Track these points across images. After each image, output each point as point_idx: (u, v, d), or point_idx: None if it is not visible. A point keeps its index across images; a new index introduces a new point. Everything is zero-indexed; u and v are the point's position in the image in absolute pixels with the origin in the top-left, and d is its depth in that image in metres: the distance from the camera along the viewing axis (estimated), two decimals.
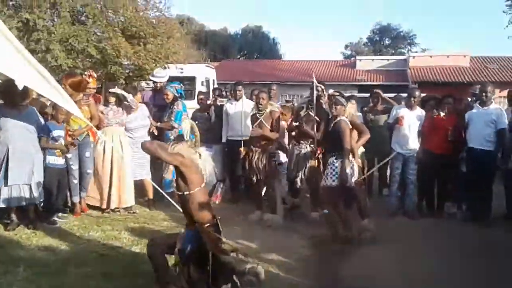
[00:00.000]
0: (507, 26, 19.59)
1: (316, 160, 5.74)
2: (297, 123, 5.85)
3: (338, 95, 5.47)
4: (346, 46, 45.20)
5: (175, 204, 4.36)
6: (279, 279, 3.84)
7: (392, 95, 8.09)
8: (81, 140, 5.34)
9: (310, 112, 5.72)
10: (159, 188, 5.30)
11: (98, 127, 5.39)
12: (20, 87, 4.11)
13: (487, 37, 70.59)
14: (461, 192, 6.02)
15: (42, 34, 8.77)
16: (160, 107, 6.58)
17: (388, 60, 27.05)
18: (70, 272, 3.67)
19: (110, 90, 5.69)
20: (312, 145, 5.68)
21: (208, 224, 3.14)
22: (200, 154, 3.23)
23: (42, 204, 4.95)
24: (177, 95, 6.38)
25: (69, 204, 5.46)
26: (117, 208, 5.66)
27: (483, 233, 5.20)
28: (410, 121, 5.99)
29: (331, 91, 6.84)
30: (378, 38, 44.74)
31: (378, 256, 4.45)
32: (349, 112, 5.12)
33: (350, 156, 4.92)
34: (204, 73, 14.02)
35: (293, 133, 6.03)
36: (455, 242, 4.93)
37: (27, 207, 4.76)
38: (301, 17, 79.12)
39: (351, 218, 5.07)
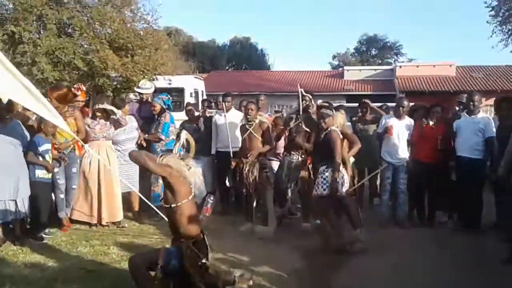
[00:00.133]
0: (491, 36, 19.98)
1: (307, 171, 5.73)
2: (288, 134, 5.83)
3: (325, 106, 5.47)
4: (334, 57, 45.60)
5: (163, 216, 4.30)
6: None
7: (379, 104, 8.14)
8: (66, 153, 5.25)
9: (299, 123, 5.72)
10: (147, 201, 5.23)
11: (85, 141, 5.32)
12: (5, 101, 4.04)
13: (472, 47, 71.77)
14: (452, 201, 6.04)
15: (28, 46, 8.67)
16: (146, 119, 6.53)
17: (375, 70, 27.31)
18: None
19: (99, 106, 5.61)
20: (303, 156, 5.67)
21: (194, 240, 3.09)
22: (189, 167, 3.19)
23: (28, 220, 4.84)
24: (164, 106, 6.34)
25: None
26: (106, 222, 5.56)
27: (474, 242, 5.20)
28: (399, 130, 6.02)
29: (319, 101, 6.87)
30: (365, 49, 45.23)
31: (370, 266, 4.43)
32: (340, 122, 5.12)
33: (341, 166, 4.91)
34: (192, 85, 14.01)
35: (283, 144, 6.01)
36: (446, 251, 4.93)
37: (13, 223, 4.64)
38: (289, 28, 79.78)
39: (342, 228, 5.05)
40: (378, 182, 6.80)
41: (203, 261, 3.04)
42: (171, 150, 3.41)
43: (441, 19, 72.73)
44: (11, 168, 4.48)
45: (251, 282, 3.07)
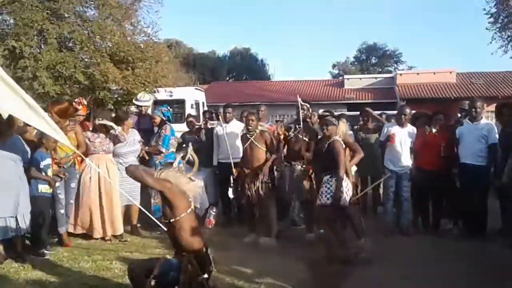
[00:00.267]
0: (490, 43, 20.03)
1: (309, 180, 5.69)
2: (288, 144, 5.81)
3: (328, 115, 5.46)
4: (334, 66, 45.80)
5: (165, 229, 4.26)
6: None
7: (378, 112, 8.13)
8: (66, 167, 5.23)
9: (298, 133, 5.71)
10: (149, 214, 5.19)
11: (85, 155, 5.30)
12: (5, 116, 4.02)
13: (472, 54, 71.99)
14: (455, 207, 5.99)
15: (29, 61, 8.67)
16: (145, 131, 6.52)
17: (375, 78, 27.41)
18: None
19: (99, 122, 5.59)
20: (304, 166, 5.63)
21: (196, 253, 3.04)
22: (189, 180, 3.16)
23: (29, 236, 4.80)
24: (164, 118, 6.33)
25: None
26: (107, 236, 5.52)
27: (480, 249, 5.16)
28: (402, 138, 6.00)
29: (320, 111, 6.87)
30: (364, 57, 45.42)
31: (376, 277, 4.37)
32: (342, 130, 5.09)
33: (344, 175, 4.88)
34: (193, 96, 14.04)
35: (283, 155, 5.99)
36: (452, 259, 4.88)
37: (14, 240, 4.59)
38: (288, 38, 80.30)
39: (346, 238, 5.00)
40: (381, 190, 6.76)
41: (204, 276, 2.99)
42: (171, 163, 3.39)
43: (440, 26, 73.09)
44: (12, 184, 4.44)
45: None
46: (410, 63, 43.89)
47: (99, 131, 5.62)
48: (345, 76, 29.02)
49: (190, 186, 3.14)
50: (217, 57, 43.31)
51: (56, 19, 9.34)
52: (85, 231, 5.52)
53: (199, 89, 15.69)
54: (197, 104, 13.92)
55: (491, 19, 19.88)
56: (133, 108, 8.88)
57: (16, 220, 4.44)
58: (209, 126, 7.12)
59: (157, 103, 10.27)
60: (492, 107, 6.05)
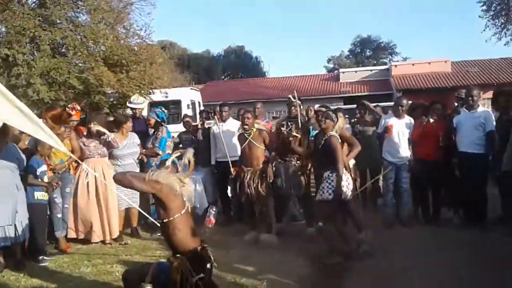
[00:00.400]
0: (484, 30, 20.08)
1: (307, 176, 5.69)
2: (281, 141, 5.80)
3: (325, 110, 5.44)
4: (329, 60, 45.78)
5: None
6: None
7: (373, 104, 8.11)
8: (61, 173, 5.22)
9: (290, 129, 5.71)
10: (149, 216, 5.18)
11: (80, 159, 5.29)
12: None
13: (466, 42, 72.04)
14: (454, 195, 5.99)
15: (23, 68, 8.62)
16: (140, 133, 6.50)
17: (371, 70, 27.37)
18: None
19: (93, 128, 5.57)
20: (298, 162, 5.65)
21: (190, 254, 3.01)
22: (180, 180, 3.13)
23: (28, 243, 4.78)
24: (158, 119, 6.31)
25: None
26: (107, 240, 5.52)
27: (480, 238, 5.15)
28: (399, 129, 5.99)
29: (316, 106, 6.85)
30: (359, 50, 45.40)
31: (379, 270, 4.38)
32: (339, 125, 5.08)
33: (344, 170, 4.87)
34: (189, 96, 14.01)
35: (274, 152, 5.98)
36: (453, 249, 4.87)
37: (13, 247, 4.57)
38: (282, 35, 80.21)
39: (348, 231, 5.00)
40: (381, 182, 6.76)
41: (199, 276, 2.95)
42: (164, 161, 3.35)
43: (433, 16, 73.10)
44: (9, 192, 4.42)
45: None
46: (404, 54, 44.02)
47: (94, 136, 5.60)
48: (341, 70, 28.99)
49: (185, 187, 3.12)
50: (212, 56, 43.29)
51: (48, 25, 9.29)
52: (84, 236, 5.51)
53: (194, 89, 15.66)
54: (193, 104, 13.90)
55: (484, 7, 19.92)
56: (128, 111, 8.85)
57: (15, 228, 4.42)
58: (206, 126, 7.10)
59: (153, 104, 10.25)
60: (488, 95, 6.04)
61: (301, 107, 6.04)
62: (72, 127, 5.49)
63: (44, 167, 4.86)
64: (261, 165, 5.59)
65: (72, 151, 5.20)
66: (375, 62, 40.95)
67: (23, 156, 4.70)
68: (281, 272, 4.33)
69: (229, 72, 42.29)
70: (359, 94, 22.79)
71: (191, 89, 15.49)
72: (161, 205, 3.05)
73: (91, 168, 5.36)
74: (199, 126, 7.34)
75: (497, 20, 20.21)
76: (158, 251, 5.18)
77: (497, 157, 5.29)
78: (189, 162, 3.38)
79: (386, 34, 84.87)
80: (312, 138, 5.61)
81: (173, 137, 6.85)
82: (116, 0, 10.30)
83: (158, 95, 11.73)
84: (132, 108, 7.27)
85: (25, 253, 4.80)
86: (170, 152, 6.05)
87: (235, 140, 6.11)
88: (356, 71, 27.66)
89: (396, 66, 25.64)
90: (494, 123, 5.55)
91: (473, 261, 4.43)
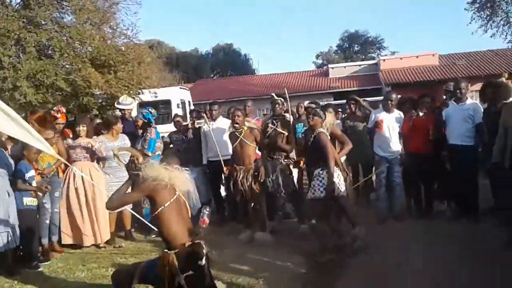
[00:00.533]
0: (470, 23, 20.24)
1: (300, 172, 5.71)
2: (268, 139, 5.81)
3: (314, 107, 5.44)
4: (317, 56, 45.78)
5: (156, 229, 4.25)
6: None
7: (367, 99, 8.13)
8: (49, 177, 5.18)
9: (276, 127, 5.77)
10: (141, 218, 5.15)
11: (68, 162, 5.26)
12: None
13: (453, 35, 72.58)
14: (444, 188, 6.03)
15: (8, 71, 8.50)
16: (129, 134, 6.45)
17: (359, 65, 27.45)
18: None
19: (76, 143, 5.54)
20: (286, 159, 5.68)
21: (179, 248, 2.97)
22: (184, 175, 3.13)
23: (20, 248, 4.72)
24: (145, 120, 6.26)
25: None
26: (101, 243, 5.49)
27: (473, 229, 5.19)
28: (390, 124, 6.01)
29: (306, 102, 6.85)
30: (347, 45, 45.49)
31: (373, 265, 4.39)
32: (329, 122, 5.08)
33: (335, 167, 4.87)
34: (178, 96, 13.91)
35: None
36: (446, 242, 4.90)
37: (6, 253, 4.50)
38: (270, 32, 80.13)
39: (342, 227, 5.01)
40: (374, 177, 6.78)
41: (185, 274, 2.91)
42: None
43: (419, 9, 73.53)
44: (0, 198, 4.37)
45: None
46: (392, 49, 44.14)
47: (81, 135, 5.55)
48: (329, 65, 29.04)
49: (173, 175, 3.10)
50: (200, 54, 43.08)
51: (33, 27, 9.17)
52: (76, 241, 5.48)
53: (184, 88, 15.56)
54: (183, 103, 13.81)
55: (469, 0, 20.05)
56: (117, 112, 8.79)
57: (7, 234, 4.36)
58: (196, 126, 7.06)
59: (142, 105, 10.16)
60: (476, 87, 6.09)
61: (285, 104, 6.08)
62: (59, 131, 5.44)
63: (32, 172, 4.80)
64: (253, 164, 5.58)
65: (59, 155, 5.14)
66: (363, 57, 41.08)
67: (12, 162, 4.64)
68: (276, 271, 4.33)
69: (218, 70, 42.16)
70: (349, 89, 22.86)
71: (180, 88, 15.39)
72: (150, 200, 3.06)
73: (75, 173, 5.34)
74: (190, 126, 7.30)
75: (482, 13, 20.40)
76: (153, 253, 5.13)
77: (486, 149, 5.34)
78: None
79: (373, 28, 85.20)
80: (303, 135, 5.61)
81: (162, 137, 6.81)
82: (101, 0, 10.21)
83: (147, 95, 11.63)
84: (120, 109, 7.20)
85: (18, 259, 4.73)
86: (160, 153, 6.04)
87: (226, 138, 6.09)
88: (345, 67, 27.72)
89: (384, 60, 25.74)
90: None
91: (464, 255, 4.44)
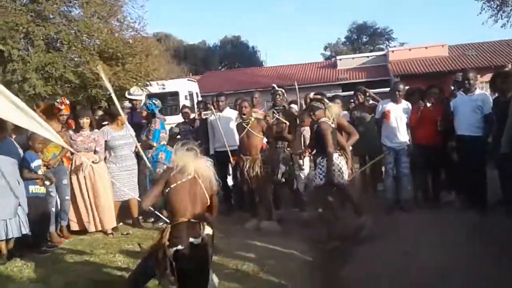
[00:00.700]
0: (480, 13, 19.94)
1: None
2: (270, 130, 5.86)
3: (318, 99, 5.44)
4: (326, 48, 45.54)
5: (166, 219, 4.29)
6: None
7: (373, 91, 8.09)
8: (55, 167, 5.25)
9: (278, 117, 5.88)
10: (150, 207, 5.16)
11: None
12: None
13: (463, 25, 71.69)
14: (452, 179, 6.00)
15: (18, 64, 8.57)
16: (138, 125, 6.50)
17: (368, 57, 27.23)
18: None
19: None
20: (288, 149, 5.81)
21: (180, 223, 2.97)
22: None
23: (30, 235, 4.81)
24: (149, 111, 6.31)
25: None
26: (109, 231, 5.59)
27: (479, 221, 5.15)
28: (397, 114, 5.99)
29: (312, 94, 6.86)
30: (356, 37, 45.16)
31: (379, 254, 4.41)
32: (336, 112, 5.08)
33: (337, 155, 4.89)
34: (186, 87, 13.97)
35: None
36: (452, 231, 4.88)
37: (16, 239, 4.58)
38: (278, 24, 79.71)
39: (346, 216, 5.03)
40: (383, 168, 6.76)
41: (175, 248, 2.88)
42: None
43: (428, 0, 72.58)
44: (11, 186, 4.45)
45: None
46: (401, 40, 43.76)
47: (84, 126, 5.64)
48: (338, 57, 28.84)
49: (198, 164, 3.21)
50: (208, 47, 43.07)
51: (41, 20, 9.22)
52: (81, 227, 5.62)
53: (192, 80, 15.60)
54: (190, 95, 13.86)
55: None
56: (127, 103, 8.84)
57: (16, 220, 4.45)
58: (203, 117, 7.10)
59: (150, 96, 10.21)
60: (486, 78, 6.02)
61: (285, 95, 6.24)
62: (63, 121, 5.56)
63: (38, 162, 4.87)
64: (259, 154, 5.61)
65: (62, 147, 5.22)
66: (372, 48, 40.79)
67: (21, 151, 4.72)
68: (282, 258, 4.37)
69: (226, 63, 42.13)
70: (357, 80, 22.70)
71: (188, 80, 15.43)
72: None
73: (79, 163, 5.48)
74: (197, 117, 7.34)
75: (492, 2, 20.06)
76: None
77: (496, 140, 5.29)
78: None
79: (381, 19, 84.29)
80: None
81: (171, 128, 6.85)
82: None
83: (155, 87, 11.69)
84: (131, 100, 7.28)
85: (27, 244, 4.81)
86: (165, 143, 6.10)
87: (233, 129, 6.13)
88: (353, 58, 27.54)
89: (393, 51, 25.51)
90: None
91: (471, 245, 4.42)
